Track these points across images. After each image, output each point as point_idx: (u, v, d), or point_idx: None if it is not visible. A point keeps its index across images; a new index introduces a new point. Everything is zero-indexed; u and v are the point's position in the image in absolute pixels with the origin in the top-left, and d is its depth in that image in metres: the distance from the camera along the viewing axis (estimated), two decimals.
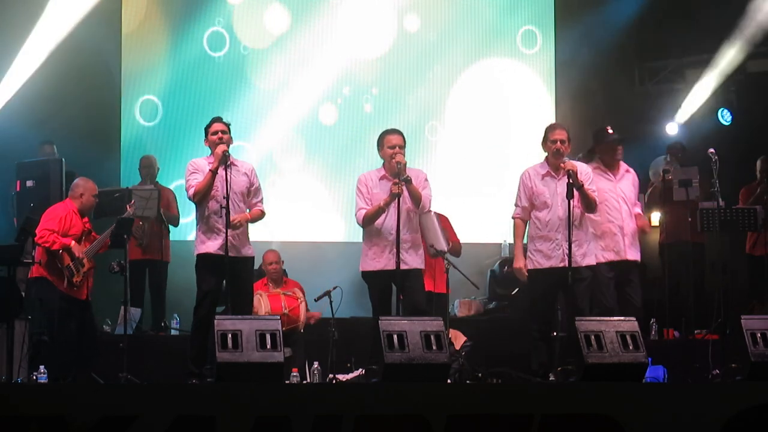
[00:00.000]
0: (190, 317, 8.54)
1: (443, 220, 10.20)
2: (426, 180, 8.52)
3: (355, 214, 8.50)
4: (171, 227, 10.99)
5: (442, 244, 9.15)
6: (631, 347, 7.40)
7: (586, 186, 8.29)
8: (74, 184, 9.33)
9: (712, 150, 8.65)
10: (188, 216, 11.08)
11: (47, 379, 8.35)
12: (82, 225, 9.17)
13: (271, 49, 12.92)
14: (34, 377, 8.44)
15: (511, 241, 9.53)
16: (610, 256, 8.63)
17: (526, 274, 8.41)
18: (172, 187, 11.39)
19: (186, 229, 11.35)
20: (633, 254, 8.71)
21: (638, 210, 8.96)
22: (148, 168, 11.11)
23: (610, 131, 8.86)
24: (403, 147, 8.36)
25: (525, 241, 8.62)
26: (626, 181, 8.88)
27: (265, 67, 12.85)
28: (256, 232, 8.86)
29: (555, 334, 8.74)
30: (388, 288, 8.35)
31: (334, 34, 13.08)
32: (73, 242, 8.97)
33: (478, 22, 13.20)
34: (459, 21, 13.18)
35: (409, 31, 13.30)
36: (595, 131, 9.04)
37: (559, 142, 8.37)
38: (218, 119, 8.40)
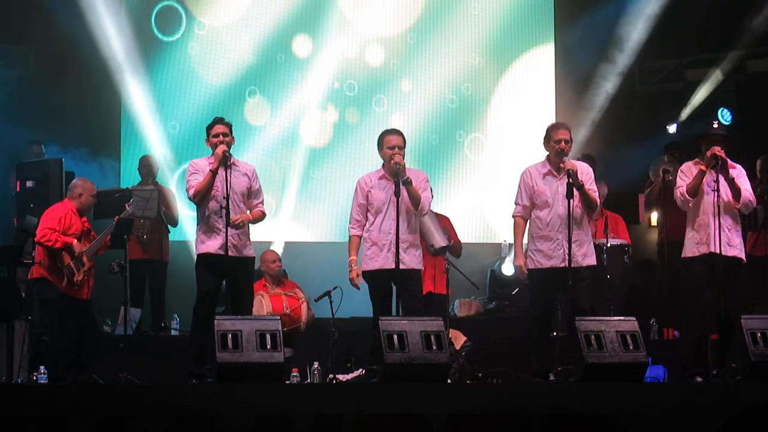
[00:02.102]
0: (190, 317, 8.54)
1: (444, 221, 10.21)
2: (426, 181, 8.50)
3: (349, 220, 8.51)
4: (171, 227, 10.98)
5: (440, 241, 9.15)
6: (631, 347, 7.41)
7: (586, 186, 8.28)
8: (72, 184, 9.34)
9: (717, 148, 8.57)
10: (188, 216, 11.07)
11: (47, 380, 8.36)
12: (81, 224, 9.17)
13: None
14: (34, 377, 8.46)
15: (511, 241, 9.52)
16: (703, 249, 8.42)
17: (526, 272, 8.39)
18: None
19: (187, 229, 11.34)
20: (728, 250, 8.36)
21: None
22: (148, 168, 11.09)
23: (716, 125, 8.74)
24: (402, 147, 8.34)
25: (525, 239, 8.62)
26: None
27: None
28: (257, 232, 8.86)
29: (555, 334, 8.74)
30: (387, 288, 8.34)
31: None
32: (74, 241, 8.98)
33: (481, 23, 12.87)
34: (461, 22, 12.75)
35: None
36: (705, 123, 8.95)
37: (563, 142, 8.35)
38: (220, 120, 8.40)
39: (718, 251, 8.31)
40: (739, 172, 8.50)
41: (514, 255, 8.52)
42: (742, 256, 8.52)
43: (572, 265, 8.15)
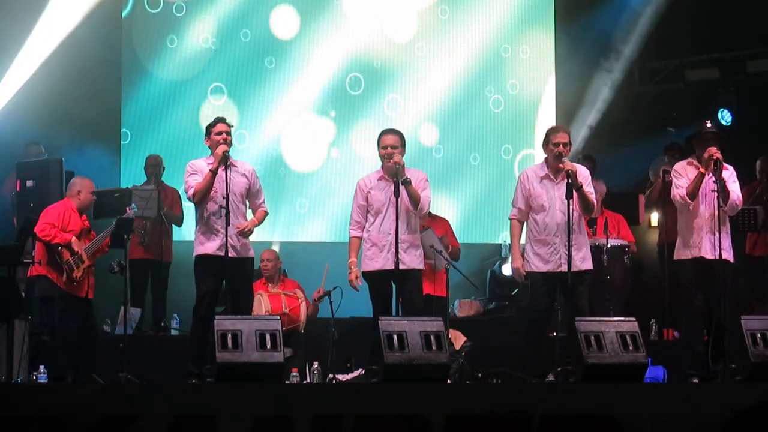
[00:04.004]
0: (190, 317, 8.55)
1: (443, 224, 10.22)
2: (426, 181, 8.51)
3: (349, 222, 8.50)
4: (175, 227, 10.95)
5: (446, 257, 9.28)
6: (631, 347, 7.42)
7: (584, 188, 8.29)
8: (71, 182, 9.38)
9: (713, 149, 8.60)
10: (188, 216, 11.05)
11: (47, 379, 8.37)
12: (81, 223, 9.20)
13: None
14: (34, 377, 8.46)
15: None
16: (695, 252, 8.45)
17: (524, 273, 8.40)
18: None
19: (186, 229, 11.31)
20: (713, 253, 8.32)
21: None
22: (154, 167, 11.06)
23: (708, 125, 8.71)
24: (397, 147, 8.34)
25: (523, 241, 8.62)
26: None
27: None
28: (257, 232, 8.84)
29: (555, 334, 8.75)
30: (387, 288, 8.36)
31: None
32: (73, 238, 8.99)
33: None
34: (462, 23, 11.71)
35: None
36: (696, 124, 8.94)
37: (561, 145, 8.35)
38: (222, 119, 8.41)
39: (715, 256, 8.33)
40: (730, 173, 8.50)
41: (512, 257, 8.53)
42: (731, 257, 8.52)
43: (571, 269, 8.16)
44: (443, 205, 10.23)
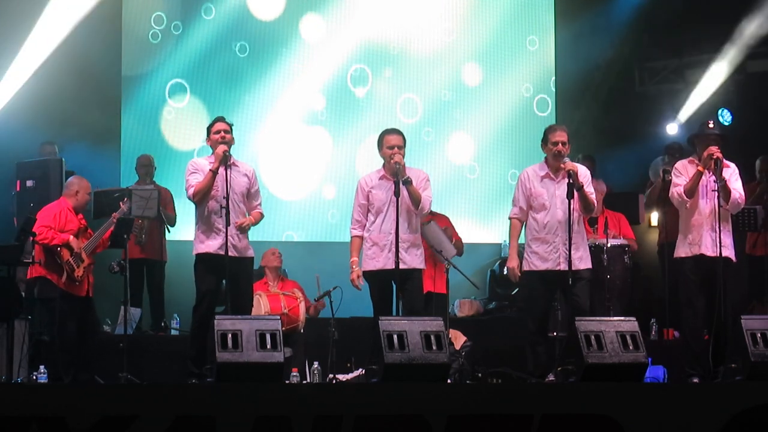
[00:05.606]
0: (190, 317, 8.55)
1: (444, 220, 10.22)
2: (427, 181, 8.51)
3: (351, 221, 8.50)
4: (169, 227, 10.95)
5: (450, 251, 9.20)
6: (631, 347, 7.42)
7: (585, 188, 8.30)
8: (68, 182, 9.39)
9: (714, 148, 8.62)
10: (187, 216, 11.03)
11: (47, 379, 8.37)
12: (78, 222, 9.21)
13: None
14: (34, 377, 8.46)
15: None
16: (695, 250, 8.46)
17: (519, 274, 8.40)
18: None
19: (186, 229, 11.29)
20: (713, 251, 8.36)
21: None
22: (146, 167, 11.08)
23: (711, 125, 8.72)
24: (402, 147, 8.34)
25: (522, 241, 8.62)
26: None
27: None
28: (257, 232, 8.85)
29: (555, 334, 8.75)
30: (388, 287, 8.36)
31: None
32: (71, 237, 9.00)
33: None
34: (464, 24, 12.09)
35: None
36: (699, 123, 8.93)
37: (560, 144, 8.36)
38: (221, 119, 8.40)
39: (715, 253, 8.34)
40: (732, 171, 8.51)
41: (508, 257, 8.55)
42: (732, 256, 8.52)
43: (570, 268, 8.16)
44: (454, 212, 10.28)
